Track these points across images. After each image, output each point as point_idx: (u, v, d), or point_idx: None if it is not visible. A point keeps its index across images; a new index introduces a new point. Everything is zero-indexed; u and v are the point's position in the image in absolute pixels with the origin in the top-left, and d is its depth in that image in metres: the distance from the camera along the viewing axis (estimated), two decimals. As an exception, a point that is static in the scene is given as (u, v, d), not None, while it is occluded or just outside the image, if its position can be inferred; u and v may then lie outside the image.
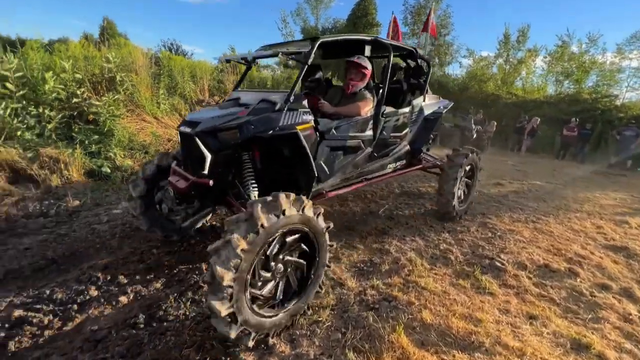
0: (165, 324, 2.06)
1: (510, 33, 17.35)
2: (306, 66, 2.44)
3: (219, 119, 2.26)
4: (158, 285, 2.46)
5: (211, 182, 2.25)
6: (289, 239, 1.92)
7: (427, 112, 3.72)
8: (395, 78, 3.98)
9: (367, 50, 3.07)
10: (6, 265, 2.61)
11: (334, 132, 2.69)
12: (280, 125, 2.27)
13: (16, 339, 1.90)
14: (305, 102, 2.46)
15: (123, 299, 2.28)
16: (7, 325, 2.00)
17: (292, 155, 2.50)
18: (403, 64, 4.15)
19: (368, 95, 2.99)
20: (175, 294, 2.33)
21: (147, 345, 1.89)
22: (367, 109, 2.92)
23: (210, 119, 2.27)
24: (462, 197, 4.03)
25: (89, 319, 2.09)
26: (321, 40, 2.49)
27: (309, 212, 1.94)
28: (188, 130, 2.22)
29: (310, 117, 2.46)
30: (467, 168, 3.94)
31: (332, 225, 2.12)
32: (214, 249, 1.67)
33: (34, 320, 2.04)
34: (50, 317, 2.09)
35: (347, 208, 4.20)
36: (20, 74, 4.78)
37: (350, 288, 2.52)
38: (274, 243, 1.84)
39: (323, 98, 3.12)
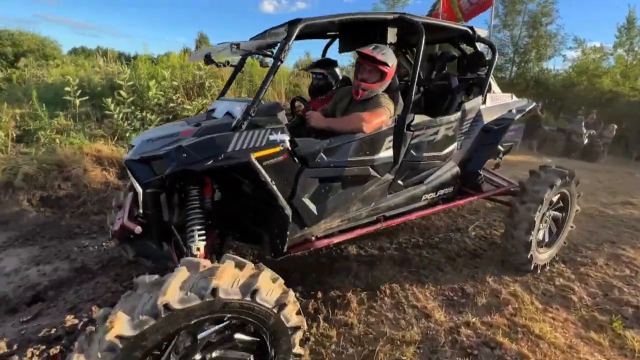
0: None
1: (636, 17, 14.15)
2: (279, 63, 1.77)
3: (152, 142, 1.78)
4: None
5: (138, 229, 1.79)
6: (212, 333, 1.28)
7: (487, 118, 2.63)
8: (443, 72, 2.96)
9: (391, 34, 2.20)
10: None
11: (324, 156, 1.88)
12: (227, 151, 1.62)
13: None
14: (281, 114, 1.82)
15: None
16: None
17: (254, 192, 1.87)
18: (457, 54, 3.14)
19: (384, 101, 2.08)
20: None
21: None
22: (376, 121, 1.98)
23: (145, 143, 1.81)
24: (547, 240, 2.85)
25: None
26: (305, 22, 1.80)
27: (270, 296, 1.30)
28: (125, 156, 1.83)
29: (282, 137, 1.75)
30: (555, 198, 2.75)
31: (304, 327, 1.44)
32: (82, 337, 1.14)
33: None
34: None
35: (429, 222, 3.73)
36: (131, 83, 5.48)
37: (438, 322, 2.12)
38: (181, 338, 1.22)
39: (328, 103, 2.46)
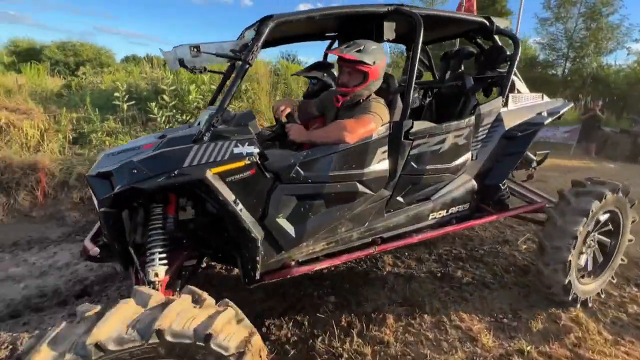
0: None
1: None
2: (246, 66, 1.60)
3: (113, 157, 1.67)
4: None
5: (94, 251, 1.69)
6: None
7: (510, 123, 2.27)
8: (459, 71, 2.59)
9: (389, 30, 1.95)
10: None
11: (300, 170, 1.65)
12: (182, 166, 1.47)
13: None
14: (252, 123, 1.66)
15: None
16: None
17: (219, 212, 1.65)
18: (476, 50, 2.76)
19: (374, 106, 1.81)
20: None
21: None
22: (362, 130, 1.72)
23: (107, 157, 1.70)
24: (592, 269, 2.37)
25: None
26: (277, 20, 1.61)
27: (228, 341, 1.10)
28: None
29: (249, 150, 1.56)
30: (603, 218, 2.29)
31: None
32: None
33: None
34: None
35: (472, 232, 3.45)
36: (173, 87, 5.74)
37: (486, 347, 1.90)
38: None
39: (319, 110, 2.21)
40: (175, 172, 1.45)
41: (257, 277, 1.66)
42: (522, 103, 2.38)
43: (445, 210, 2.17)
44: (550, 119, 2.41)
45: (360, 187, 1.80)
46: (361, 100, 1.88)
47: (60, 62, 18.37)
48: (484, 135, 2.24)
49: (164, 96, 5.56)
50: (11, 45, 19.96)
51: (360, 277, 2.60)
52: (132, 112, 5.70)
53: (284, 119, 1.99)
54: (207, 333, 1.05)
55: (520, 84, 2.47)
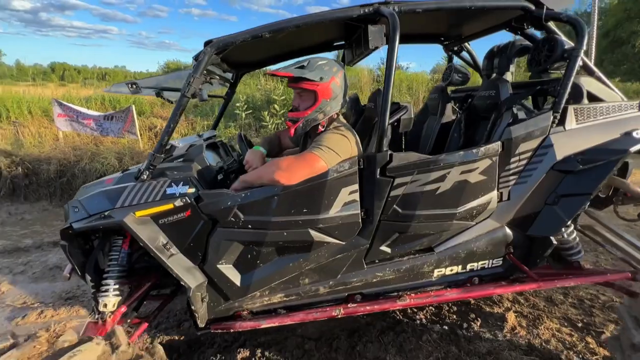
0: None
1: None
2: (184, 99, 1.48)
3: (85, 189, 1.70)
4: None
5: (65, 276, 1.70)
6: None
7: (566, 150, 1.60)
8: (493, 75, 2.04)
9: (375, 36, 1.47)
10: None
11: (239, 214, 1.47)
12: (115, 207, 1.46)
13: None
14: (198, 158, 1.58)
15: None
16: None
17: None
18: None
19: (328, 140, 1.50)
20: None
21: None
22: (302, 172, 1.44)
23: (82, 190, 1.73)
24: None
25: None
26: (217, 44, 1.47)
27: None
28: None
29: (182, 190, 1.46)
30: None
31: None
32: None
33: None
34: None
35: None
36: (283, 97, 6.30)
37: None
38: None
39: (293, 141, 1.98)
40: (105, 214, 1.46)
41: (200, 324, 1.57)
42: (594, 119, 1.63)
43: (459, 266, 1.70)
44: None
45: (318, 235, 1.52)
46: (320, 127, 1.62)
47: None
48: (521, 168, 1.63)
49: (275, 105, 6.14)
50: (165, 67, 25.15)
51: (472, 309, 2.30)
52: (248, 120, 6.47)
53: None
54: None
55: (604, 90, 1.73)
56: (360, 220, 1.54)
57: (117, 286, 1.58)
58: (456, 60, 2.56)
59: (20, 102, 7.44)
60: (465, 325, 2.11)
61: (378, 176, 1.49)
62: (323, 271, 1.62)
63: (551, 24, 1.68)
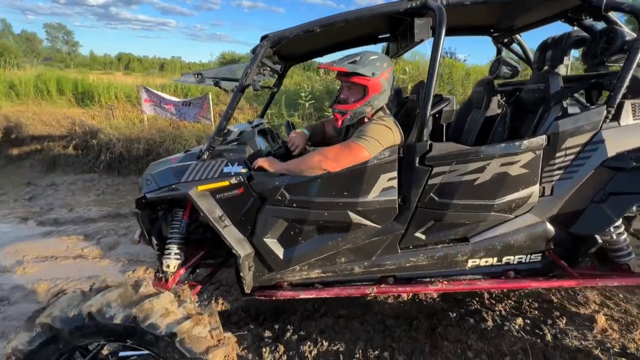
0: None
1: None
2: (239, 93, 1.62)
3: (155, 166, 1.86)
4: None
5: (134, 240, 1.89)
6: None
7: (618, 147, 1.54)
8: (545, 68, 1.96)
9: (421, 29, 1.49)
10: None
11: (286, 193, 1.58)
12: (180, 182, 1.63)
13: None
14: (253, 142, 1.70)
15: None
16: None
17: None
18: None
19: (371, 131, 1.54)
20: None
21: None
22: (346, 161, 1.52)
23: (152, 166, 1.89)
24: None
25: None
26: (271, 40, 1.56)
27: (161, 322, 1.21)
28: None
29: (237, 170, 1.60)
30: None
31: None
32: None
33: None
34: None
35: None
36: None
37: None
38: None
39: (335, 130, 2.01)
40: (173, 186, 1.63)
41: (247, 291, 1.70)
42: None
43: (494, 258, 1.69)
44: None
45: (356, 218, 1.60)
46: (365, 119, 1.67)
47: (252, 69, 23.20)
48: (568, 163, 1.58)
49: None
50: (221, 57, 26.49)
51: (556, 307, 2.23)
52: (310, 110, 6.69)
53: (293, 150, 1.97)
54: (173, 332, 1.19)
55: None
56: (397, 206, 1.60)
57: (177, 251, 1.76)
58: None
59: (109, 88, 8.43)
60: (549, 321, 2.05)
61: (417, 165, 1.53)
62: (359, 252, 1.71)
63: (612, 14, 1.58)
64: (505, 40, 2.37)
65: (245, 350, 1.93)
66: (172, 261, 1.74)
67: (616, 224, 1.66)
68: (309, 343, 1.94)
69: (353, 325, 2.08)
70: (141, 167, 5.67)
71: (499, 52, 2.48)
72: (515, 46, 2.40)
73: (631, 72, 1.49)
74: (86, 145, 5.91)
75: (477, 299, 2.30)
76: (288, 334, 2.03)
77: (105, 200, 4.84)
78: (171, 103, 6.31)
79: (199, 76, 1.95)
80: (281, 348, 1.92)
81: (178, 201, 1.78)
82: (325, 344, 1.95)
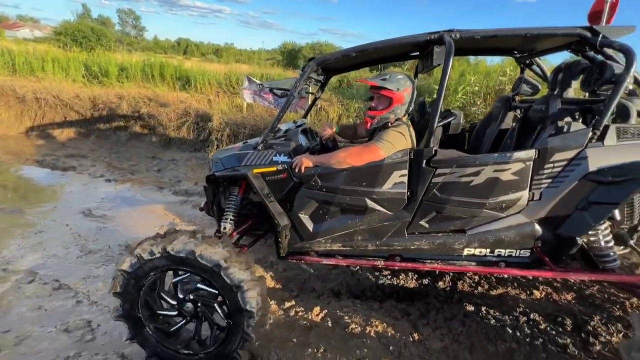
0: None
1: None
2: (292, 97, 2.08)
3: (222, 151, 2.36)
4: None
5: (200, 208, 2.58)
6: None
7: (599, 163, 1.78)
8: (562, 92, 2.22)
9: (437, 55, 1.88)
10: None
11: (319, 180, 2.02)
12: (240, 165, 2.13)
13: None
14: (295, 138, 2.17)
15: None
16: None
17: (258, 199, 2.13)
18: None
19: (389, 135, 1.97)
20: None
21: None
22: (367, 157, 1.93)
23: (219, 151, 2.39)
24: None
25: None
26: (317, 61, 2.06)
27: (209, 256, 1.70)
28: None
29: (283, 159, 2.07)
30: None
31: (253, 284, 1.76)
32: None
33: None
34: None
35: None
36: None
37: None
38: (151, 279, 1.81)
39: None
40: (236, 168, 2.12)
41: (282, 254, 2.17)
42: (637, 138, 1.78)
43: (487, 249, 1.99)
44: None
45: (371, 204, 1.97)
46: (389, 124, 2.07)
47: (311, 60, 23.66)
48: (555, 174, 1.84)
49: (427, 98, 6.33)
50: (282, 47, 27.12)
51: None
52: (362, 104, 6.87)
53: (324, 140, 2.49)
54: (217, 263, 1.68)
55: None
56: (405, 198, 1.96)
57: (232, 218, 2.22)
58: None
59: (204, 75, 9.16)
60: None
61: (424, 166, 1.88)
62: (372, 232, 2.06)
63: (608, 50, 1.82)
64: (527, 61, 2.61)
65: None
66: (228, 225, 2.20)
67: (603, 230, 1.91)
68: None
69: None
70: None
71: (522, 71, 2.70)
72: (535, 67, 2.63)
73: (616, 100, 1.72)
74: (196, 127, 6.58)
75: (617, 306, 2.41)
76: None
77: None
78: (270, 93, 6.80)
79: (260, 86, 2.65)
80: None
81: (236, 180, 2.24)
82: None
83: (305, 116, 2.98)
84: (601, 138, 1.80)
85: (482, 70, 6.80)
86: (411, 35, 1.97)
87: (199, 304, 1.84)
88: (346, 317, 2.37)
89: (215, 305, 1.83)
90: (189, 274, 1.80)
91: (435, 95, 2.15)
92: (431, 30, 1.93)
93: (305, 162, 2.02)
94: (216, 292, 1.78)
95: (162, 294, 1.88)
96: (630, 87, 1.90)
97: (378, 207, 1.99)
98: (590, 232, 1.90)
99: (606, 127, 1.78)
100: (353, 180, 1.97)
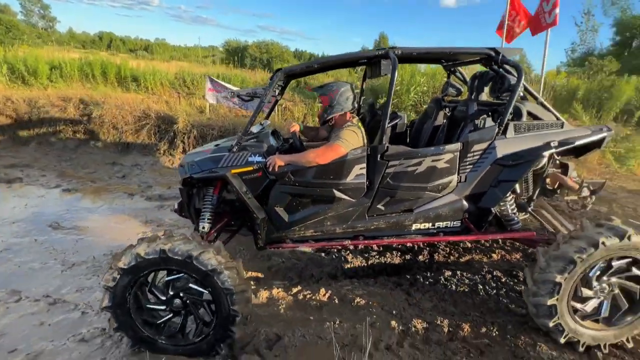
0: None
1: None
2: (262, 103, 2.37)
3: (191, 155, 2.55)
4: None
5: (175, 208, 2.74)
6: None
7: (504, 151, 2.32)
8: (478, 96, 2.79)
9: (384, 66, 2.31)
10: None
11: (291, 176, 2.32)
12: (217, 167, 2.30)
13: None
14: (267, 140, 2.41)
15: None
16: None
17: (237, 197, 2.39)
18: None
19: (344, 134, 2.31)
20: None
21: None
22: (331, 155, 2.26)
23: (188, 155, 2.61)
24: (606, 315, 2.13)
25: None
26: (285, 72, 2.38)
27: (207, 260, 1.92)
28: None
29: (258, 159, 2.31)
30: (618, 263, 2.04)
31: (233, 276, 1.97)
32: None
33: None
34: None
35: None
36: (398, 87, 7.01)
37: None
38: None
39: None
40: (213, 170, 2.30)
41: (261, 244, 2.42)
42: (528, 132, 2.36)
43: (430, 224, 2.44)
44: (561, 149, 2.29)
45: (337, 193, 2.33)
46: (331, 121, 2.52)
47: (257, 59, 23.36)
48: (475, 161, 2.36)
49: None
50: (227, 45, 26.30)
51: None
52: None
53: (289, 135, 2.72)
54: (189, 254, 1.89)
55: (541, 111, 2.49)
56: (365, 187, 2.34)
57: (209, 217, 2.44)
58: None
59: (154, 75, 8.70)
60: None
61: (378, 159, 2.28)
62: (339, 217, 2.40)
63: (507, 67, 2.45)
64: (452, 69, 3.19)
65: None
66: (206, 224, 2.40)
67: (509, 201, 2.49)
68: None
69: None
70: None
71: (448, 76, 3.30)
72: (459, 74, 3.26)
73: (512, 104, 2.29)
74: (158, 130, 6.33)
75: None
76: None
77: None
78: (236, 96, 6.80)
79: (232, 93, 3.13)
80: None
81: (211, 181, 2.45)
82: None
83: (267, 117, 3.20)
84: (504, 132, 2.34)
85: (429, 72, 7.62)
86: (363, 51, 2.57)
87: (183, 297, 2.05)
88: (349, 294, 2.73)
89: (197, 288, 2.02)
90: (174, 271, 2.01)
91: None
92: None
93: (278, 161, 2.26)
94: (194, 277, 1.97)
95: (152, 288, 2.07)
96: (522, 94, 2.54)
97: (343, 196, 2.34)
98: (500, 203, 2.46)
99: (507, 124, 2.33)
100: (322, 174, 2.30)
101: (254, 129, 2.62)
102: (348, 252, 3.46)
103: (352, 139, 2.31)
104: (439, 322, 2.43)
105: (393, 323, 2.38)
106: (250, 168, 2.32)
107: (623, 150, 5.97)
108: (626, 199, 4.51)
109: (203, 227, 2.38)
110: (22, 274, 2.98)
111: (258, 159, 2.32)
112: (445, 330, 2.37)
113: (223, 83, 6.93)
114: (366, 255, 3.42)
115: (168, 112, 6.49)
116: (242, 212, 2.61)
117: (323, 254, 3.45)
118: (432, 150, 2.32)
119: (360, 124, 2.48)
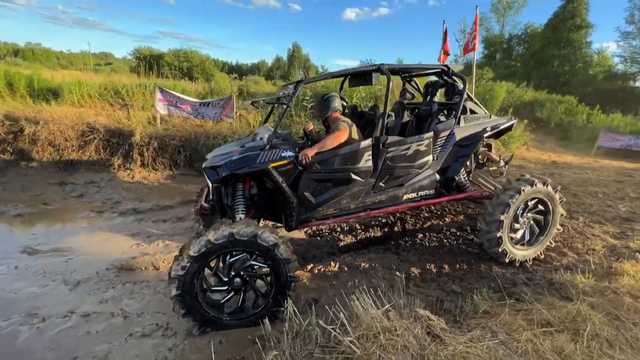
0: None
1: None
2: (288, 108, 2.88)
3: (216, 158, 2.87)
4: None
5: (207, 207, 3.19)
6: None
7: (460, 136, 3.30)
8: (431, 98, 3.81)
9: (375, 78, 3.07)
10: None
11: (318, 165, 2.85)
12: (256, 162, 2.70)
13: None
14: (290, 140, 3.02)
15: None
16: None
17: (274, 188, 2.87)
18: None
19: (339, 124, 3.01)
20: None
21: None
22: (341, 137, 2.92)
23: (213, 157, 2.92)
24: (528, 239, 3.36)
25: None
26: (304, 82, 2.98)
27: (268, 238, 2.34)
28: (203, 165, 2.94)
29: (290, 154, 2.80)
30: (532, 203, 3.25)
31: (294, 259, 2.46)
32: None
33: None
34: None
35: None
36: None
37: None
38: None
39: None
40: (253, 165, 2.69)
41: (294, 225, 2.95)
42: (471, 122, 3.40)
43: (415, 193, 3.28)
44: (491, 132, 3.42)
45: (353, 176, 2.97)
46: (327, 121, 3.28)
47: (176, 67, 22.12)
48: (442, 144, 3.29)
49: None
50: (137, 52, 24.16)
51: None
52: (312, 110, 7.99)
53: (308, 131, 3.42)
54: (255, 233, 2.31)
55: (476, 108, 3.57)
56: (371, 169, 3.03)
57: (243, 208, 2.84)
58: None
59: (81, 86, 7.91)
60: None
61: (381, 147, 3.00)
62: (353, 196, 3.05)
63: (455, 78, 3.55)
64: (409, 79, 4.20)
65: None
66: (241, 214, 2.80)
67: (462, 172, 3.50)
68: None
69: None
70: (177, 162, 6.15)
71: (404, 84, 4.26)
72: (414, 83, 4.29)
73: (462, 104, 3.31)
74: (108, 144, 5.93)
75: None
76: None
77: (166, 190, 5.31)
78: (188, 103, 6.77)
79: (257, 102, 3.58)
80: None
81: (242, 178, 2.86)
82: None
83: (265, 122, 3.75)
84: (458, 123, 3.33)
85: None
86: (363, 66, 3.31)
87: (243, 274, 2.41)
88: (354, 262, 3.40)
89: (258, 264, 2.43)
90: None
91: (383, 98, 3.39)
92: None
93: (310, 152, 2.82)
94: (256, 254, 2.38)
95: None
96: (466, 96, 3.55)
97: (357, 178, 3.00)
98: (459, 173, 3.48)
99: (460, 118, 3.33)
100: (342, 162, 2.94)
101: (259, 129, 3.08)
102: (339, 232, 4.12)
103: (346, 124, 3.05)
104: (427, 267, 3.30)
105: (398, 274, 3.14)
106: (285, 162, 2.78)
107: (505, 137, 8.04)
108: (513, 170, 6.54)
109: (240, 218, 2.73)
110: (26, 299, 2.82)
111: (290, 153, 2.81)
112: (434, 271, 3.28)
113: (175, 93, 6.85)
114: (354, 233, 4.14)
115: (118, 125, 6.11)
116: (265, 204, 3.08)
117: (318, 238, 4.04)
118: (416, 138, 3.15)
119: (347, 119, 3.19)
